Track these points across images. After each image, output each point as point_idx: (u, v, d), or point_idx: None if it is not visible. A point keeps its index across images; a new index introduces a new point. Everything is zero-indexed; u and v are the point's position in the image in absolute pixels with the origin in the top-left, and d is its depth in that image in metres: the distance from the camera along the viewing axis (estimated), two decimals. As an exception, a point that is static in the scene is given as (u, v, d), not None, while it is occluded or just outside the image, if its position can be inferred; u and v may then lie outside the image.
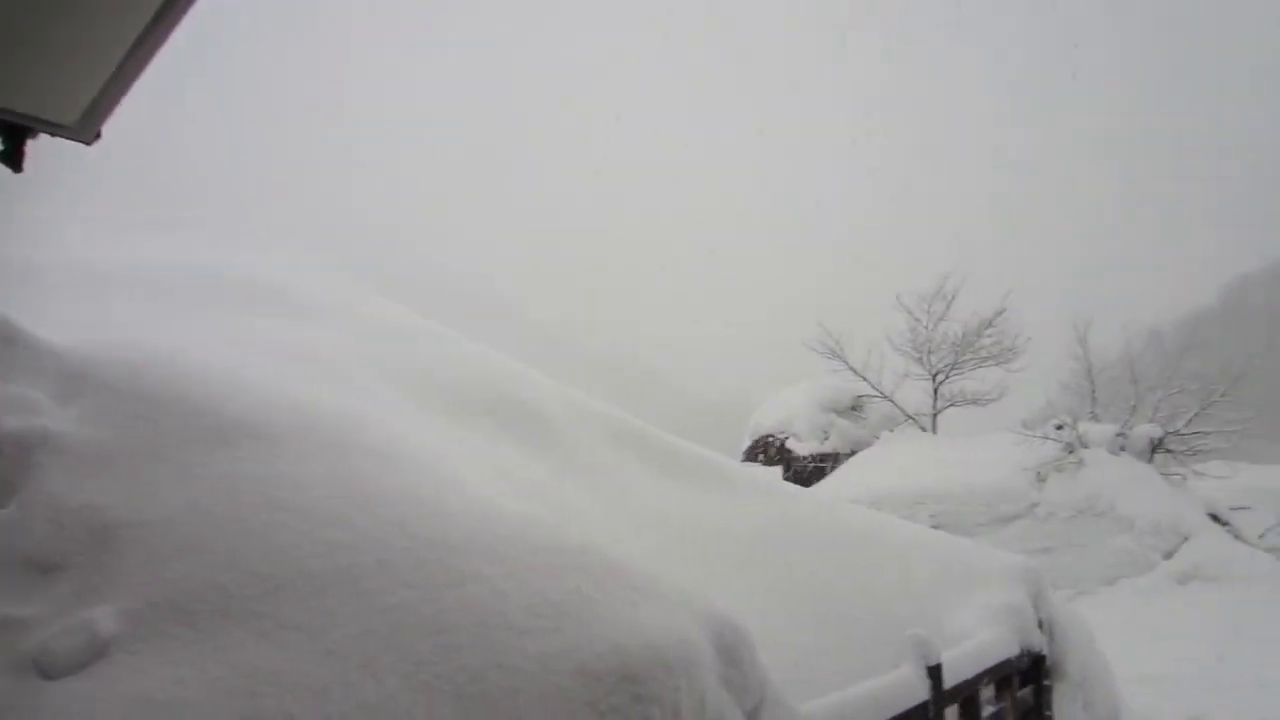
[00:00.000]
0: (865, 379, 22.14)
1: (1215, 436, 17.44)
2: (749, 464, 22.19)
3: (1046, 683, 5.40)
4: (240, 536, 2.35)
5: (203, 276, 4.79)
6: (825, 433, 22.06)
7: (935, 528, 15.01)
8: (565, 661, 2.28)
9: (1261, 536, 17.35)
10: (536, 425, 4.91)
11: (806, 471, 21.20)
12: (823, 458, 21.53)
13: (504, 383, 5.11)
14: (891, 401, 22.25)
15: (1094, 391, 18.95)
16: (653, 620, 2.50)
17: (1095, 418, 18.47)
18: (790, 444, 22.01)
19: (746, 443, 23.44)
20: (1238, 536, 16.43)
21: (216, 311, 4.33)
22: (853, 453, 20.75)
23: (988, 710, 4.65)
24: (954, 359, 21.41)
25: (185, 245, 5.56)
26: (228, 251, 5.63)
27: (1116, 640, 10.44)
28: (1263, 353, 22.83)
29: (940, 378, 21.73)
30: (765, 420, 23.06)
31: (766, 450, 22.65)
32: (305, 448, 2.82)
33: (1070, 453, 16.50)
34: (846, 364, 22.18)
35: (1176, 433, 17.15)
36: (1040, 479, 16.23)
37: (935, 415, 22.05)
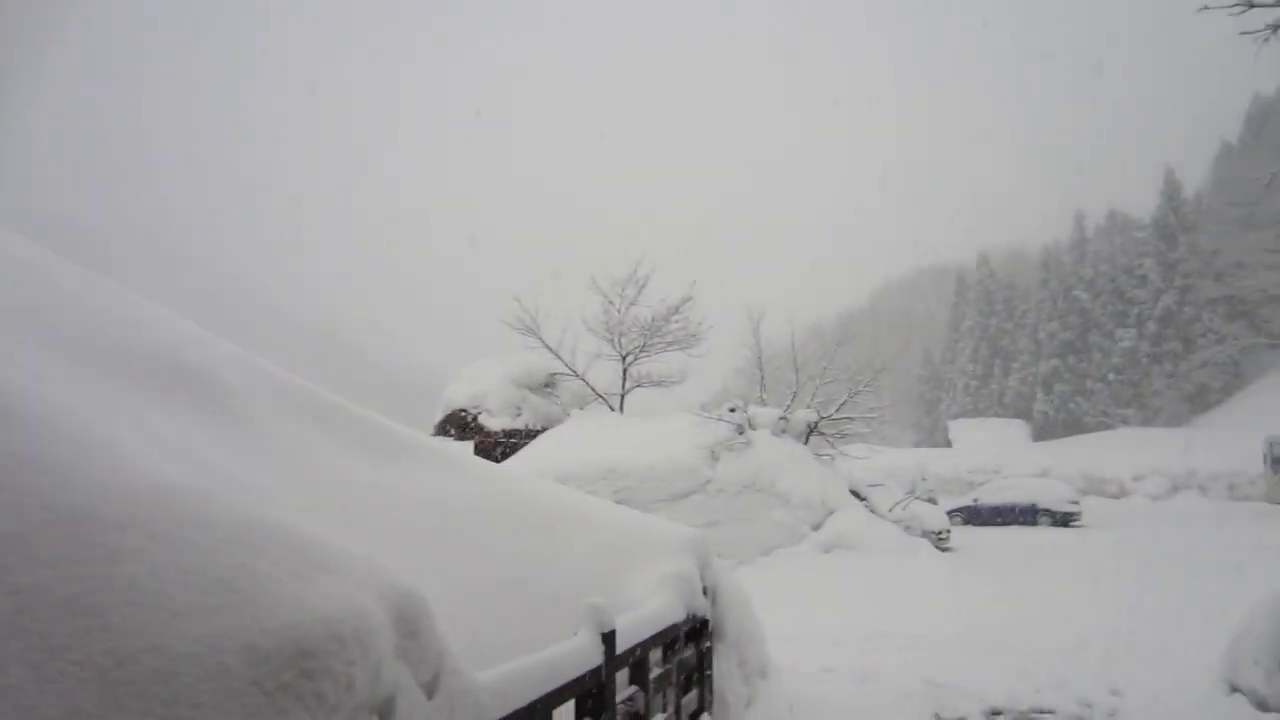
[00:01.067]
0: (559, 357, 22.60)
1: (859, 422, 19.68)
2: (440, 438, 21.88)
3: (708, 644, 5.82)
4: None
5: None
6: (518, 409, 22.24)
7: (619, 503, 15.68)
8: (231, 641, 2.10)
9: (891, 510, 19.87)
10: (211, 393, 4.48)
11: (499, 447, 21.27)
12: (515, 433, 21.70)
13: (176, 347, 4.61)
14: (583, 380, 22.89)
15: (763, 378, 20.70)
16: (328, 594, 2.37)
17: (763, 402, 20.18)
18: (483, 419, 21.95)
19: (438, 417, 23.07)
20: (873, 510, 18.71)
21: None
22: (545, 429, 21.09)
23: (655, 671, 4.93)
24: (643, 342, 22.43)
25: None
26: None
27: (770, 604, 11.53)
28: (900, 351, 26.11)
29: (630, 359, 22.68)
30: (458, 395, 22.81)
31: (459, 425, 22.43)
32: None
33: (740, 434, 17.88)
34: (542, 341, 22.53)
35: (829, 418, 19.12)
36: (714, 458, 17.44)
37: (624, 395, 22.99)
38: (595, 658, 3.83)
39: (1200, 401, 51.47)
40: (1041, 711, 6.88)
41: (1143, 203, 58.41)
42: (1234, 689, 6.53)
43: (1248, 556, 15.02)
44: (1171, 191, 55.59)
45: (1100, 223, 64.81)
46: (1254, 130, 53.62)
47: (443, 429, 22.54)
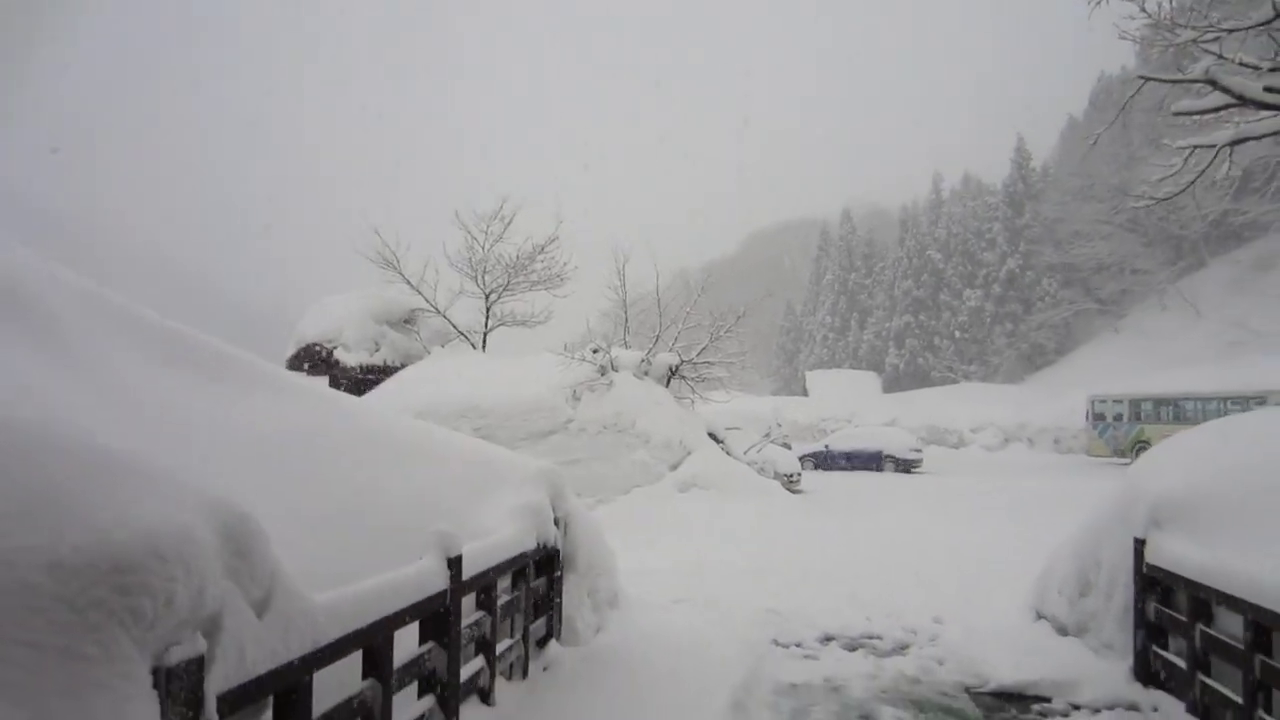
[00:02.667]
0: (420, 293, 22.00)
1: (719, 367, 20.07)
2: (293, 372, 21.11)
3: (558, 574, 5.90)
4: None
5: None
6: (376, 344, 21.60)
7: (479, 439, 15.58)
8: (37, 556, 1.99)
9: (746, 453, 20.49)
10: (31, 316, 4.16)
11: (355, 383, 20.67)
12: (373, 370, 21.11)
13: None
14: (444, 317, 22.39)
15: (627, 321, 20.78)
16: (149, 512, 2.27)
17: (626, 345, 20.31)
18: (339, 354, 21.20)
19: (290, 351, 22.12)
20: (729, 453, 19.23)
21: None
22: (404, 365, 20.62)
23: (504, 598, 4.97)
24: (507, 280, 22.12)
25: None
26: None
27: (626, 540, 11.76)
28: (764, 301, 26.71)
29: (493, 297, 22.35)
30: (311, 328, 21.86)
31: (312, 360, 21.58)
32: None
33: (602, 375, 17.98)
34: (402, 276, 21.87)
35: (690, 361, 19.43)
36: (575, 398, 17.50)
37: (486, 333, 22.68)
38: (440, 582, 3.82)
39: (1035, 360, 54.99)
40: (871, 637, 7.32)
41: (997, 170, 61.35)
42: (1040, 616, 7.11)
43: (1064, 502, 16.27)
44: (1021, 161, 58.53)
45: (956, 186, 67.77)
46: (1097, 107, 56.90)
47: (295, 364, 21.63)
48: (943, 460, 34.45)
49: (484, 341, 22.71)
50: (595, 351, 18.38)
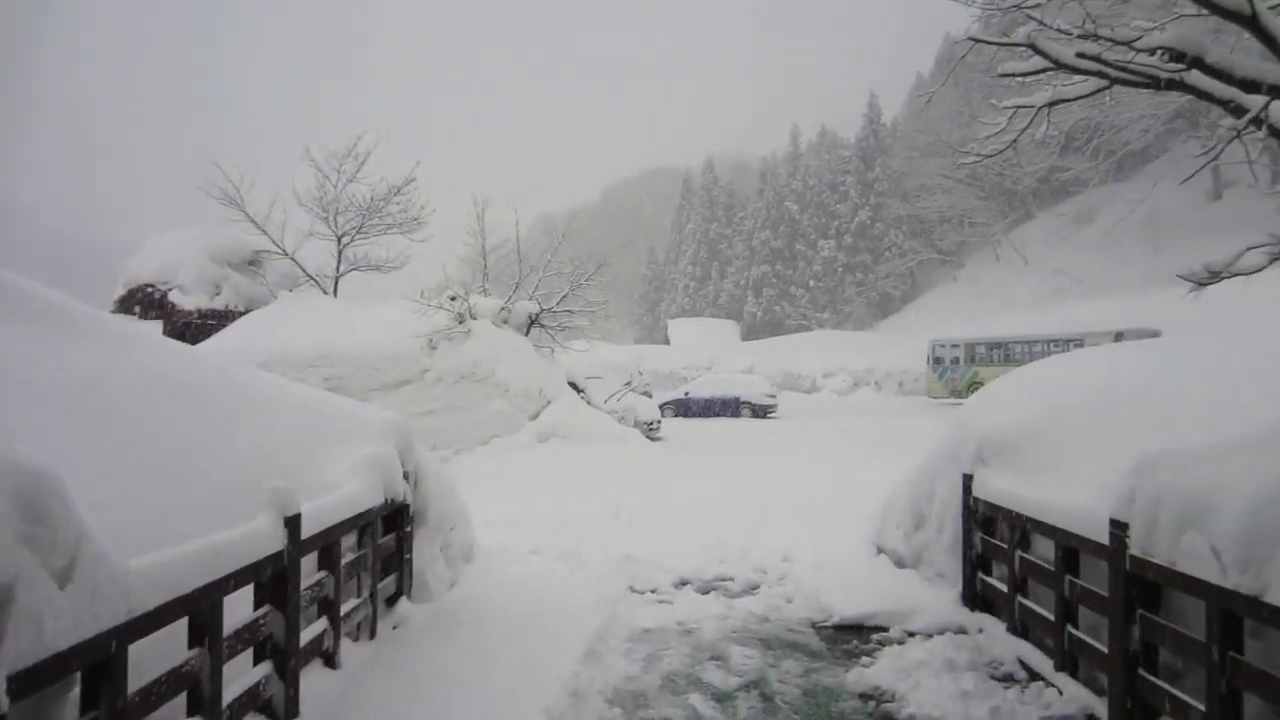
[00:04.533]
0: (266, 233, 20.66)
1: (580, 316, 19.99)
2: (121, 316, 19.68)
3: (408, 529, 5.76)
4: None
5: None
6: (217, 287, 20.23)
7: (329, 390, 15.02)
8: None
9: (606, 401, 20.62)
10: None
11: (193, 328, 19.43)
12: (213, 314, 19.83)
13: None
14: (293, 260, 21.21)
15: (486, 267, 20.39)
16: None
17: (486, 292, 19.95)
18: (174, 296, 19.72)
19: (119, 292, 20.47)
20: (589, 401, 19.31)
21: None
22: (248, 310, 19.51)
23: (349, 557, 4.81)
24: (361, 223, 21.20)
25: None
26: None
27: (485, 491, 11.64)
28: (627, 249, 26.73)
29: (346, 240, 21.40)
30: (143, 268, 20.16)
31: (145, 302, 20.01)
32: None
33: (461, 323, 17.64)
34: (246, 214, 20.39)
35: (550, 310, 19.28)
36: (432, 346, 17.11)
37: (338, 278, 21.74)
38: (276, 543, 3.65)
39: (884, 308, 57.49)
40: (724, 579, 7.52)
41: (852, 125, 63.07)
42: (880, 551, 7.48)
43: (905, 441, 17.14)
44: (873, 116, 60.45)
45: (814, 140, 69.38)
46: (942, 67, 59.15)
47: (125, 307, 20.08)
48: (797, 405, 35.72)
49: (335, 287, 21.72)
50: (453, 299, 17.98)
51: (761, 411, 30.88)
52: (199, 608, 3.01)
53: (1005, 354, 30.98)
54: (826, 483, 12.97)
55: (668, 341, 57.13)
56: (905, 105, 63.13)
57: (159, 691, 2.77)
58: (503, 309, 18.65)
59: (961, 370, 32.42)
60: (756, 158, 76.33)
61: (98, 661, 2.43)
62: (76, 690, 2.47)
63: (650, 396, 26.57)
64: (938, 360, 33.53)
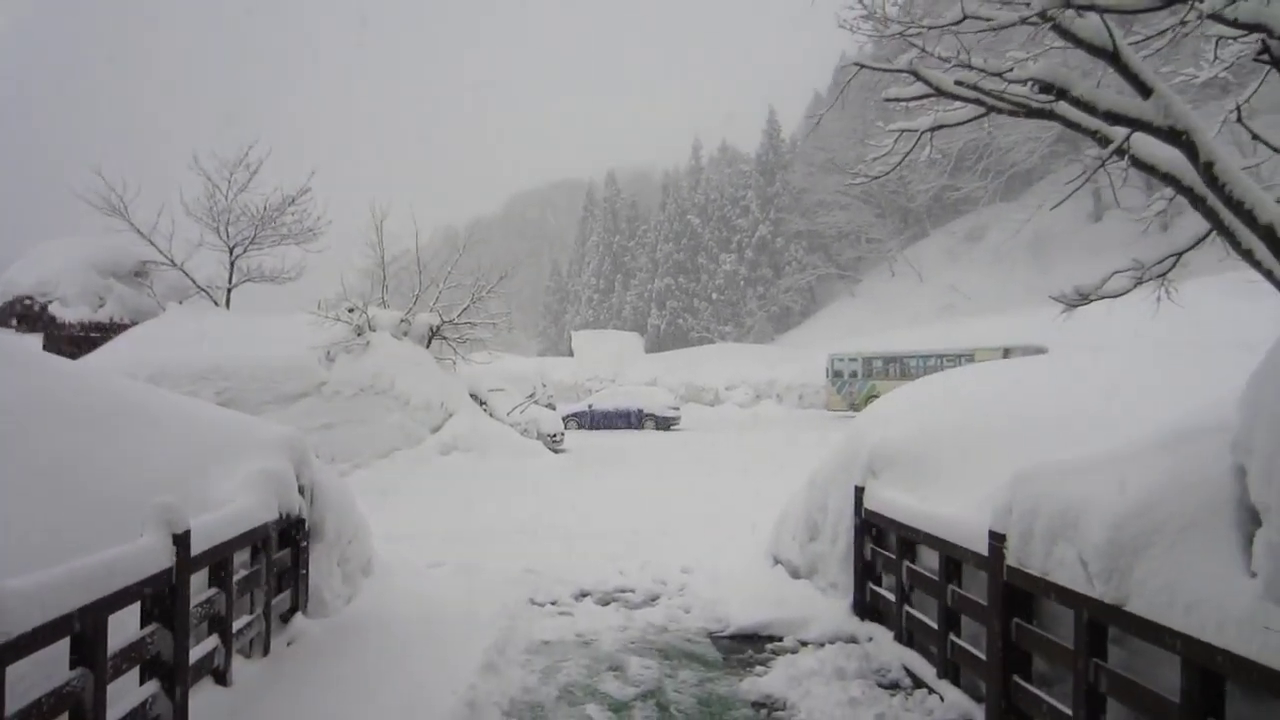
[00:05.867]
0: (153, 243, 19.86)
1: (481, 328, 19.86)
2: (-4, 329, 18.68)
3: (304, 543, 5.67)
4: None
5: None
6: (101, 299, 19.33)
7: (221, 404, 14.54)
8: None
9: (510, 414, 20.46)
10: None
11: (75, 341, 18.54)
12: (97, 327, 18.95)
13: None
14: (182, 270, 20.44)
15: (385, 279, 20.05)
16: None
17: (385, 304, 19.62)
18: (55, 309, 18.81)
19: (-3, 305, 19.43)
20: (492, 414, 19.17)
21: None
22: (134, 323, 18.72)
23: (242, 573, 4.71)
24: (254, 233, 20.57)
25: None
26: None
27: (385, 505, 11.47)
28: (531, 261, 26.67)
29: (238, 250, 20.73)
30: (22, 279, 19.11)
31: (23, 315, 19.01)
32: None
33: (359, 335, 17.31)
34: (130, 223, 19.57)
35: (451, 322, 19.09)
36: (329, 359, 16.73)
37: (230, 289, 21.05)
38: (164, 560, 3.57)
39: (783, 321, 58.70)
40: (624, 590, 7.61)
41: (752, 140, 64.30)
42: (777, 561, 7.68)
43: (804, 453, 17.57)
44: (773, 131, 61.76)
45: (715, 154, 70.50)
46: (838, 85, 60.97)
47: (3, 319, 19.06)
48: (700, 417, 36.15)
49: (228, 298, 21.02)
50: (351, 310, 17.64)
51: (665, 424, 31.17)
52: (81, 627, 2.93)
53: (901, 368, 32.00)
54: (726, 494, 13.21)
55: (572, 353, 57.09)
56: (804, 122, 64.77)
57: (39, 712, 2.70)
58: (403, 321, 18.39)
59: (859, 384, 33.36)
60: (659, 170, 77.12)
61: (-28, 684, 2.36)
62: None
63: (554, 408, 26.53)
64: (836, 374, 34.44)
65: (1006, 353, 27.04)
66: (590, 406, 32.01)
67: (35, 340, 18.45)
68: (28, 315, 18.99)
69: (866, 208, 52.72)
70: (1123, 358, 6.68)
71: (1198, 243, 3.82)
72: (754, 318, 58.64)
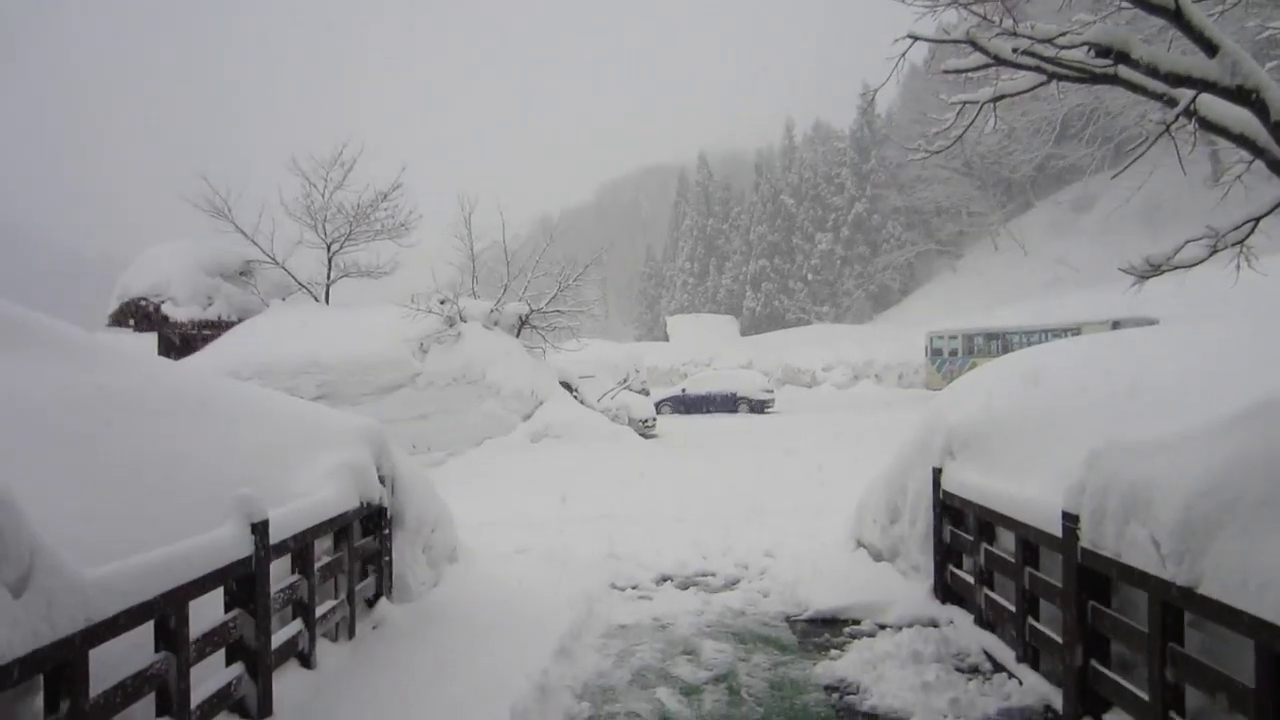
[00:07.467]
0: (255, 243, 20.84)
1: (569, 315, 20.06)
2: (115, 331, 19.78)
3: (387, 531, 5.87)
4: None
5: None
6: (209, 298, 20.29)
7: (320, 398, 15.13)
8: None
9: (600, 400, 20.66)
10: None
11: (187, 339, 19.53)
12: (207, 325, 19.91)
13: None
14: (283, 268, 21.31)
15: (474, 270, 20.46)
16: None
17: (475, 295, 20.01)
18: (167, 309, 19.81)
19: (113, 306, 20.55)
20: (582, 401, 19.38)
21: None
22: (241, 320, 19.61)
23: (325, 560, 4.92)
24: (349, 229, 21.25)
25: None
26: None
27: (475, 493, 11.77)
28: (625, 248, 26.82)
29: (335, 247, 21.46)
30: (136, 282, 20.25)
31: (138, 316, 20.09)
32: None
33: (450, 326, 17.73)
34: (234, 225, 20.57)
35: (540, 310, 19.36)
36: (422, 350, 17.19)
37: (329, 285, 21.82)
38: (244, 548, 3.75)
39: (882, 300, 57.53)
40: (706, 575, 7.63)
41: (846, 117, 63.04)
42: (859, 545, 7.57)
43: (901, 434, 17.21)
44: (867, 107, 60.42)
45: (808, 132, 69.40)
46: (934, 55, 59.12)
47: (120, 320, 20.17)
48: (796, 399, 35.79)
49: (327, 294, 21.81)
50: (442, 302, 18.07)
51: (759, 407, 30.95)
52: (162, 613, 3.11)
53: (1003, 344, 30.94)
54: (816, 476, 13.06)
55: (667, 338, 57.22)
56: (898, 95, 63.12)
57: (124, 693, 2.88)
58: (493, 311, 18.73)
59: (960, 361, 32.43)
60: (751, 151, 76.37)
61: (57, 667, 2.54)
62: (40, 695, 2.59)
63: (647, 394, 26.61)
64: (936, 352, 33.58)
65: (1116, 325, 25.83)
66: (683, 391, 32.02)
67: (150, 339, 19.50)
68: (143, 316, 20.07)
69: (967, 181, 51.07)
70: (1224, 330, 6.29)
71: (1276, 206, 3.58)
72: (851, 297, 57.64)
